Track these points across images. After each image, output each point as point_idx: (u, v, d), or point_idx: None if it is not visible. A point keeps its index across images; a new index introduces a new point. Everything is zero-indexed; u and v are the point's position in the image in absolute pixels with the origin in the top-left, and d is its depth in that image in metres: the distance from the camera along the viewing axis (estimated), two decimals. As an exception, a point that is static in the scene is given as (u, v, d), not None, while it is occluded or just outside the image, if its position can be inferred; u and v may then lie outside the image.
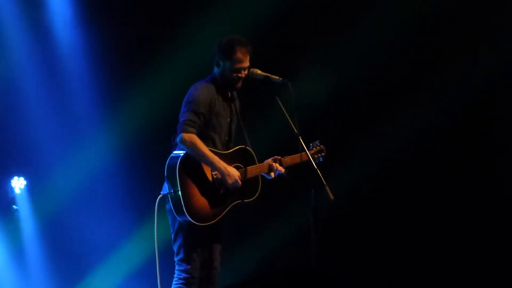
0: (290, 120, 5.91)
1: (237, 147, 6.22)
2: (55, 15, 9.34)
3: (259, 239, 8.98)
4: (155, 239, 6.00)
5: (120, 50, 9.26)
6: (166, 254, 6.32)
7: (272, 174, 6.24)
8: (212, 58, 6.22)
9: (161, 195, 5.98)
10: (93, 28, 9.27)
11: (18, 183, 9.36)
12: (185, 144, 5.91)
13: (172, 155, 5.98)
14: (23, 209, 9.36)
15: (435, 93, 8.66)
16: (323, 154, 6.48)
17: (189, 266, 6.04)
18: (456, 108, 8.58)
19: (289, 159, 6.29)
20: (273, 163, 6.24)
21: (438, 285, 8.60)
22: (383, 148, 8.75)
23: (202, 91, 6.08)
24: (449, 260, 8.61)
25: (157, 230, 6.01)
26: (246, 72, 6.14)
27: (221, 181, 5.99)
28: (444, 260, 8.64)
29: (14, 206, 9.33)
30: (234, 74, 6.12)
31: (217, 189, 5.99)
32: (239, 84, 6.18)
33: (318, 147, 6.48)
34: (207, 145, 6.00)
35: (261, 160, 6.27)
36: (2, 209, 9.24)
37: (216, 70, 6.19)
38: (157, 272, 6.02)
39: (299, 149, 6.00)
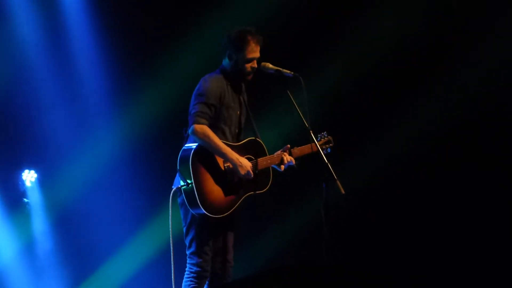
0: (301, 114, 5.90)
1: (247, 139, 6.21)
2: (66, 9, 9.33)
3: (270, 233, 8.99)
4: (170, 233, 5.99)
5: (131, 44, 9.22)
6: (178, 248, 6.31)
7: (282, 167, 6.22)
8: (221, 51, 6.21)
9: (174, 188, 5.98)
10: (104, 22, 9.25)
11: (29, 176, 9.36)
12: (198, 135, 5.91)
13: (184, 147, 5.97)
14: (34, 202, 9.37)
15: (448, 87, 8.63)
16: (331, 145, 6.44)
17: (200, 260, 6.03)
18: (469, 104, 8.54)
19: (298, 150, 6.28)
20: (284, 154, 6.21)
21: (450, 279, 8.58)
22: (395, 143, 8.71)
23: (212, 83, 6.07)
24: (459, 254, 8.59)
25: (168, 224, 5.99)
26: (255, 66, 6.12)
27: (234, 172, 5.98)
28: (454, 253, 8.61)
29: (25, 199, 9.34)
30: (247, 65, 6.10)
31: (230, 181, 5.99)
32: (251, 76, 6.16)
33: (326, 138, 6.46)
34: (218, 137, 5.98)
35: (271, 153, 6.25)
36: (13, 202, 9.24)
37: (226, 63, 6.17)
38: (172, 266, 6.02)
39: (309, 142, 6.02)
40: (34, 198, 9.34)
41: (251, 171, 5.99)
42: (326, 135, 6.47)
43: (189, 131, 5.95)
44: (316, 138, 6.29)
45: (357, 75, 8.80)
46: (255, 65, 6.13)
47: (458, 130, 8.58)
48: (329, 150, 6.43)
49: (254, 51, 6.10)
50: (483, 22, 8.50)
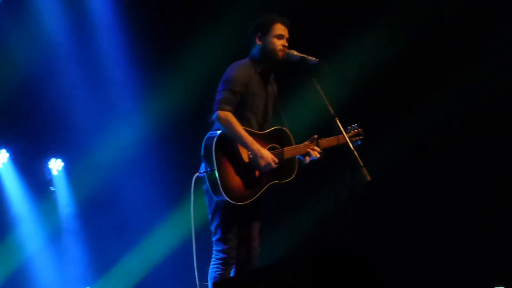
0: (326, 102, 5.84)
1: (273, 128, 6.15)
2: (92, 5, 9.39)
3: (294, 220, 8.99)
4: (192, 219, 5.94)
5: (155, 36, 9.29)
6: (203, 235, 6.29)
7: (308, 159, 6.15)
8: (250, 39, 6.15)
9: (196, 174, 5.93)
10: (128, 14, 9.29)
11: (55, 165, 9.43)
12: (221, 121, 5.87)
13: (208, 135, 5.93)
14: (61, 190, 9.43)
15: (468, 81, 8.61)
16: (361, 137, 6.33)
17: (226, 246, 6.00)
18: (477, 105, 8.55)
19: (326, 141, 6.18)
20: (312, 147, 6.13)
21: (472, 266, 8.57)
22: (417, 132, 8.72)
23: (238, 70, 6.04)
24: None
25: (195, 211, 5.95)
26: (287, 44, 6.07)
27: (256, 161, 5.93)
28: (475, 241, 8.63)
29: (52, 188, 9.41)
30: (277, 41, 6.05)
31: (253, 169, 5.93)
32: (282, 53, 6.05)
33: (356, 130, 6.34)
34: (242, 125, 5.94)
35: (297, 143, 6.18)
36: (40, 191, 9.31)
37: (256, 49, 6.13)
38: (193, 252, 5.98)
39: (335, 131, 5.94)
40: (60, 187, 9.40)
41: (271, 163, 5.92)
42: (356, 127, 6.35)
43: (213, 117, 5.92)
44: (346, 130, 6.19)
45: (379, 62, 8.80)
46: (286, 43, 6.08)
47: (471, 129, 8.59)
48: (359, 142, 6.30)
49: (282, 29, 6.07)
50: (493, 23, 8.49)
